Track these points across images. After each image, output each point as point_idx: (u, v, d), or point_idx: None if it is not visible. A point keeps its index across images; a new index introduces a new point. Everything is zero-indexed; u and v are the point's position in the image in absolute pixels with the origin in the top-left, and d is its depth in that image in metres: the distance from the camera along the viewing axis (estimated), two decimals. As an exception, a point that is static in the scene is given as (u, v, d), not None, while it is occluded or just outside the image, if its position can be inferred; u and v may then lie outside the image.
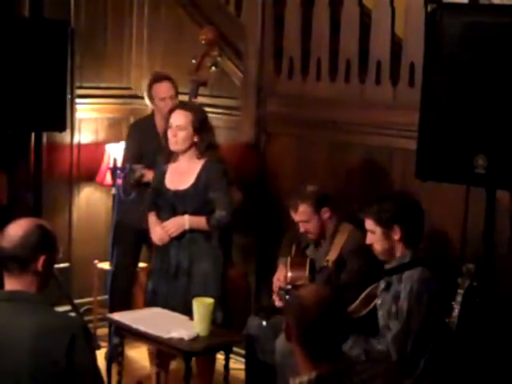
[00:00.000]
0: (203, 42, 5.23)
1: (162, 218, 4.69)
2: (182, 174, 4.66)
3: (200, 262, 4.62)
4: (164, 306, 4.57)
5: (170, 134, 4.61)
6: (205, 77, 5.20)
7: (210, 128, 4.71)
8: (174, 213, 4.64)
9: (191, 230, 4.61)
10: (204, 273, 4.61)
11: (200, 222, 4.61)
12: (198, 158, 4.63)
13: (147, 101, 5.48)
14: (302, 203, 4.57)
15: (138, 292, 5.58)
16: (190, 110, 4.65)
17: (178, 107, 4.69)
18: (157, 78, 5.43)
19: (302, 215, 4.58)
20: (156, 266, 4.77)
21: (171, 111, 4.67)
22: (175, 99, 5.35)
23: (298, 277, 4.52)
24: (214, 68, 5.21)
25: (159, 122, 5.41)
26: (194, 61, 5.20)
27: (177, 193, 4.64)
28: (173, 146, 4.62)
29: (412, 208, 4.05)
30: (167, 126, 4.66)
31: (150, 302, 4.69)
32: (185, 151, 4.63)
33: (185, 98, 5.24)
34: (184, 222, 4.60)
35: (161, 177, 4.72)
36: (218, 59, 5.24)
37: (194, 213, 4.61)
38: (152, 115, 5.52)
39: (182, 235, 4.62)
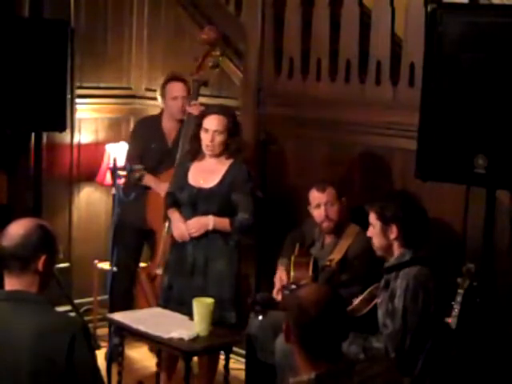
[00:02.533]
0: (205, 41, 5.23)
1: (182, 215, 4.69)
2: (207, 173, 4.67)
3: (215, 262, 4.62)
4: (179, 302, 4.58)
5: (205, 138, 4.61)
6: (206, 77, 5.21)
7: (240, 130, 4.76)
8: (195, 210, 4.64)
9: (212, 231, 4.62)
10: (219, 272, 4.62)
11: (224, 223, 4.61)
12: (226, 159, 4.66)
13: (159, 99, 5.49)
14: (328, 185, 4.63)
15: (138, 292, 5.58)
16: (224, 113, 4.67)
17: (212, 112, 4.68)
18: (172, 77, 5.45)
19: (329, 196, 4.60)
20: (172, 260, 4.76)
21: (203, 116, 4.68)
22: (186, 101, 5.36)
23: (301, 276, 4.53)
24: (215, 68, 5.21)
25: (166, 122, 5.44)
26: (195, 61, 5.20)
27: (201, 190, 4.65)
28: (209, 151, 4.63)
29: (415, 212, 4.06)
30: (198, 129, 4.64)
31: (165, 297, 4.70)
32: (217, 156, 4.65)
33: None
34: (208, 222, 4.61)
35: (184, 173, 4.73)
36: (220, 59, 5.25)
37: (216, 213, 4.61)
38: (159, 115, 5.53)
39: (202, 234, 4.63)
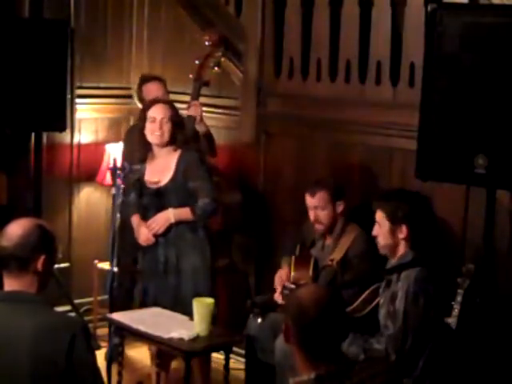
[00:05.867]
0: (207, 43, 5.23)
1: (149, 217, 4.67)
2: (161, 171, 4.65)
3: (188, 257, 4.61)
4: (154, 305, 4.56)
5: (153, 127, 4.59)
6: (207, 77, 5.21)
7: (184, 124, 4.77)
8: (160, 210, 4.63)
9: (177, 224, 4.60)
10: (193, 268, 4.60)
11: (185, 213, 4.59)
12: (175, 150, 4.65)
13: (138, 104, 5.49)
14: (320, 190, 4.60)
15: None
16: (168, 104, 4.72)
17: (157, 102, 4.72)
18: (145, 79, 5.46)
19: (319, 200, 4.59)
20: (145, 266, 4.76)
21: (149, 107, 4.68)
22: (167, 98, 5.36)
23: (301, 276, 4.53)
24: (216, 68, 5.22)
25: None
26: (197, 61, 5.21)
27: (158, 190, 4.64)
28: (158, 139, 4.61)
29: (426, 214, 4.06)
30: (143, 124, 4.64)
31: (142, 303, 4.70)
32: (164, 145, 4.63)
33: (186, 97, 5.25)
34: (168, 216, 4.59)
35: (140, 177, 4.71)
36: (222, 60, 5.25)
37: (179, 206, 4.60)
38: None
39: (169, 230, 4.61)
